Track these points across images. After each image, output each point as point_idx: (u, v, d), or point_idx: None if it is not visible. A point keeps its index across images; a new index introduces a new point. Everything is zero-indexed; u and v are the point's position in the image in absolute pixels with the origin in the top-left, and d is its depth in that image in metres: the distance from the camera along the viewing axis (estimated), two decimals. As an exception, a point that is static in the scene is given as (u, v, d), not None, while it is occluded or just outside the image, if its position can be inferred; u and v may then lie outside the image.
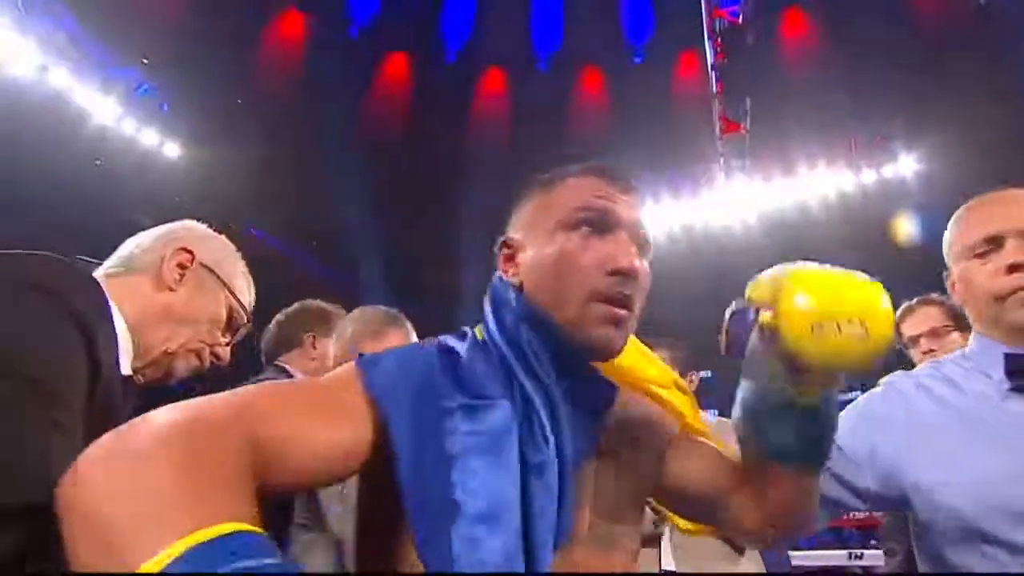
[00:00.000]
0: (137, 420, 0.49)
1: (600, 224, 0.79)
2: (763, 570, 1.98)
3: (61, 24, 8.96)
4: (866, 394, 1.12)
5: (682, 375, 1.81)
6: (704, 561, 1.90)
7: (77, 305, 0.70)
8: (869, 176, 11.03)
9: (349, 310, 1.58)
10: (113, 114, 10.01)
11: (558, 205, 0.82)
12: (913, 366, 1.45)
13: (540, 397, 0.71)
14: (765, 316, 0.72)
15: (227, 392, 0.59)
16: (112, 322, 0.77)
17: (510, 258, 0.86)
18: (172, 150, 11.03)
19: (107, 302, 0.77)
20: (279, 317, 1.87)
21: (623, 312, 0.77)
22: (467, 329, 0.82)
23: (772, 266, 0.79)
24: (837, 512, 1.07)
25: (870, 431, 1.04)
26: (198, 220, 1.07)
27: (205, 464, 0.44)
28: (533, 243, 0.82)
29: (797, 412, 0.75)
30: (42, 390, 0.62)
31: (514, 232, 0.87)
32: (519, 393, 0.71)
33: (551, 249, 0.79)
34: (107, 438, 0.47)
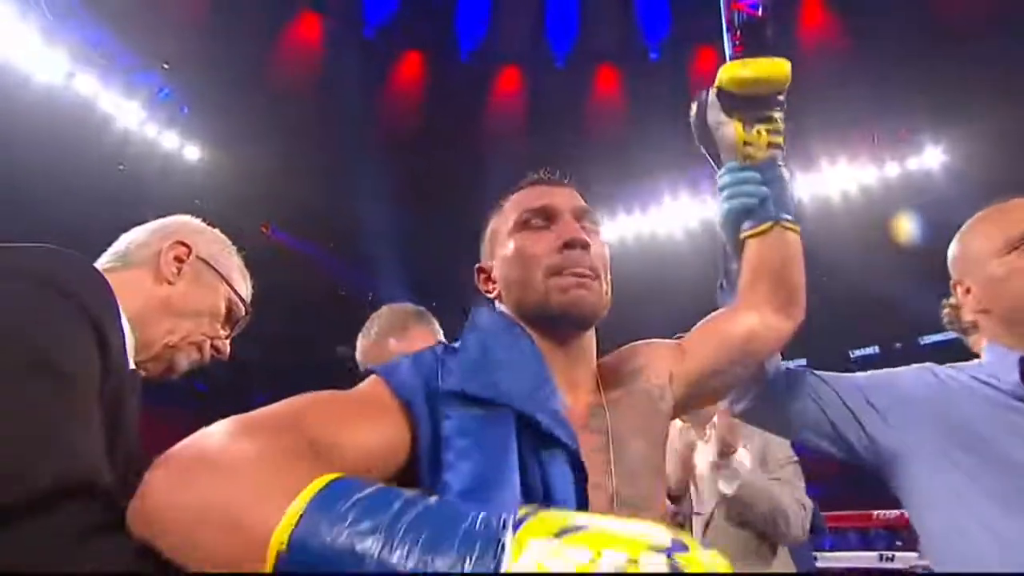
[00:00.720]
0: (201, 433, 0.52)
1: (543, 216, 0.88)
2: (793, 570, 1.96)
3: (87, 31, 9.15)
4: (904, 368, 1.12)
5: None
6: (736, 561, 1.87)
7: (87, 299, 0.70)
8: (892, 169, 10.84)
9: (369, 309, 1.59)
10: (136, 118, 10.23)
11: (507, 217, 0.91)
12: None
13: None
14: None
15: (276, 403, 0.62)
16: (120, 316, 0.77)
17: (487, 279, 0.94)
18: (192, 152, 11.24)
19: (114, 296, 0.78)
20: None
21: (583, 275, 0.83)
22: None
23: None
24: (809, 438, 1.09)
25: (890, 400, 1.06)
26: (218, 222, 1.08)
27: (281, 448, 0.50)
28: (497, 257, 0.91)
29: (750, 172, 1.01)
30: (62, 377, 0.62)
31: (484, 259, 0.96)
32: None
33: (510, 251, 0.88)
34: (182, 448, 0.50)
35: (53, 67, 8.92)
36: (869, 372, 1.12)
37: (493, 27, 15.16)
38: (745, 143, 1.03)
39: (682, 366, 0.93)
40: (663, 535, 0.40)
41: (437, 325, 1.50)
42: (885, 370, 1.12)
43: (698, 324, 1.02)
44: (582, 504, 0.71)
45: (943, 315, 2.11)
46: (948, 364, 1.10)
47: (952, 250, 1.10)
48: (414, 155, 14.14)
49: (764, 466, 1.93)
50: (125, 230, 1.00)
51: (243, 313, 1.04)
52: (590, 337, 0.89)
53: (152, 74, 10.33)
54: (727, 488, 1.83)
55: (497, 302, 0.91)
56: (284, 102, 13.05)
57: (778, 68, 1.01)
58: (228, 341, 1.02)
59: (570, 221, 0.87)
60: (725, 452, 1.81)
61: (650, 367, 0.91)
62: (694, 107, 1.07)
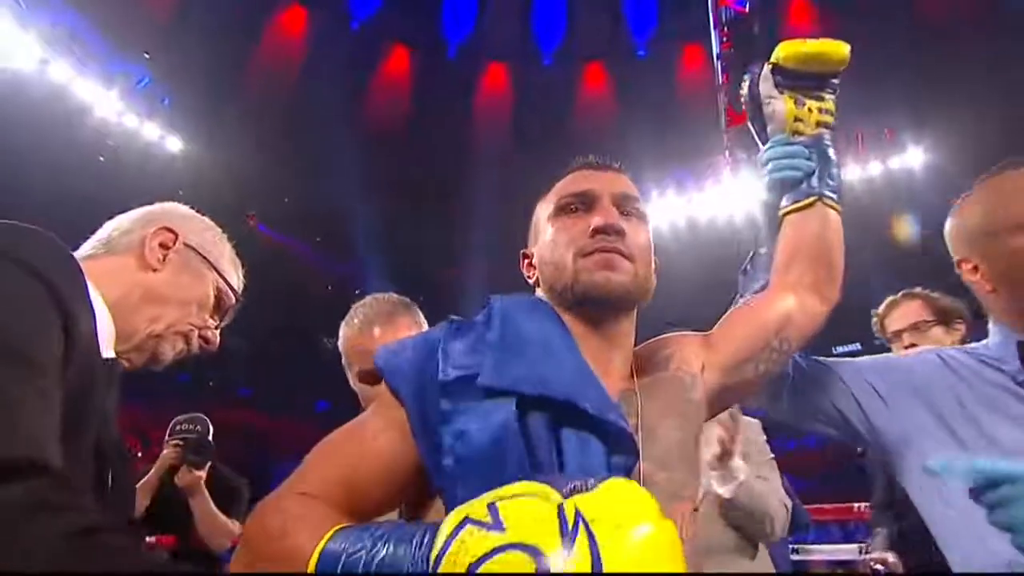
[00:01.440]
0: (263, 505, 0.70)
1: (583, 202, 0.88)
2: (772, 568, 1.97)
3: (62, 18, 8.91)
4: (910, 356, 1.10)
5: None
6: (721, 555, 1.88)
7: (52, 278, 0.67)
8: (875, 168, 10.97)
9: (354, 301, 1.57)
10: (115, 108, 9.91)
11: (550, 202, 0.91)
12: None
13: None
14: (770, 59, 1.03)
15: (301, 470, 0.74)
16: (89, 299, 0.73)
17: (528, 265, 0.94)
18: (174, 144, 10.95)
19: (83, 278, 0.74)
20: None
21: (613, 257, 0.82)
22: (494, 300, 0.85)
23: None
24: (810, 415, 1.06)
25: (891, 385, 1.02)
26: (201, 214, 1.05)
27: (312, 520, 0.66)
28: (538, 241, 0.91)
29: (798, 146, 1.01)
30: (20, 358, 0.59)
31: (530, 245, 0.95)
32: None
33: (547, 236, 0.89)
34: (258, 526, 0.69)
35: (26, 53, 8.59)
36: (873, 357, 1.09)
37: (480, 23, 15.09)
38: (796, 118, 1.03)
39: (712, 356, 0.91)
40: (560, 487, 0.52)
41: (422, 317, 1.48)
42: (888, 355, 1.09)
43: (729, 312, 1.00)
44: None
45: (873, 324, 2.11)
46: (958, 347, 1.06)
47: (954, 225, 1.03)
48: (400, 149, 14.05)
49: (751, 465, 1.95)
50: (103, 221, 0.97)
51: (233, 302, 1.01)
52: (627, 322, 0.86)
53: (133, 64, 10.11)
54: (724, 491, 1.83)
55: (537, 288, 0.91)
56: (269, 94, 12.89)
57: (837, 48, 1.01)
58: (218, 331, 0.99)
59: (608, 207, 0.86)
60: (725, 455, 1.81)
61: (680, 356, 0.89)
62: (746, 80, 1.08)
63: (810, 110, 1.03)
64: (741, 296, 1.09)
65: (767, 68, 1.04)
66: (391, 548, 0.57)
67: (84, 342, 0.69)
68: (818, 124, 1.03)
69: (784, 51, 1.02)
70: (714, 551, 1.81)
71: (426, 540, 0.54)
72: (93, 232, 0.95)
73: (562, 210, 0.88)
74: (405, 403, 0.74)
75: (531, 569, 0.47)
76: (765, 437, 2.01)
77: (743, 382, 0.92)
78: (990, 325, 1.02)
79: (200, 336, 0.96)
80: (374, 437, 0.75)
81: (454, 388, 0.73)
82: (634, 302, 0.85)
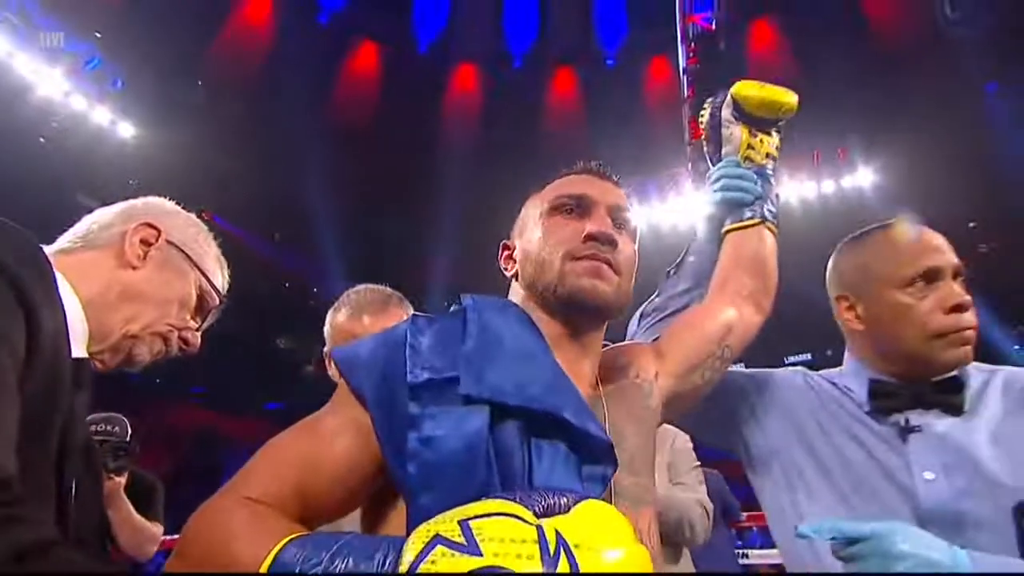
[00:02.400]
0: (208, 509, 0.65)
1: (578, 206, 0.87)
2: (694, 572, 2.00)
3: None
4: (789, 369, 1.18)
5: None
6: None
7: (16, 272, 0.63)
8: (828, 186, 11.41)
9: (312, 302, 1.53)
10: (60, 88, 9.17)
11: (544, 198, 0.90)
12: None
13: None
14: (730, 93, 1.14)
15: (251, 468, 0.69)
16: (58, 296, 0.70)
17: (508, 257, 0.92)
18: (126, 130, 10.31)
19: (53, 273, 0.71)
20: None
21: (602, 266, 0.82)
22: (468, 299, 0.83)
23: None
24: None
25: (763, 401, 1.11)
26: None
27: (263, 526, 0.62)
28: (524, 236, 0.90)
29: (748, 171, 1.11)
30: None
31: (512, 237, 0.94)
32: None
33: (537, 232, 0.87)
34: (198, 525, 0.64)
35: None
36: (752, 370, 1.16)
37: (452, 22, 15.04)
38: (749, 146, 1.14)
39: (664, 365, 0.93)
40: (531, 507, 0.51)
41: (412, 310, 1.43)
42: (764, 370, 1.16)
43: (670, 324, 1.04)
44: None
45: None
46: (821, 372, 1.15)
47: (839, 265, 1.10)
48: (366, 146, 13.87)
49: (672, 473, 2.01)
50: (49, 207, 0.92)
51: (216, 303, 0.97)
52: (599, 331, 0.87)
53: (80, 42, 9.48)
54: None
55: (514, 280, 0.90)
56: (230, 82, 12.53)
57: (788, 99, 1.13)
58: (199, 333, 0.95)
59: (603, 215, 0.86)
60: None
61: (637, 364, 0.91)
62: (710, 102, 1.18)
63: (761, 141, 1.15)
64: (658, 295, 1.17)
65: (729, 96, 1.15)
66: (350, 564, 0.52)
67: (49, 341, 0.66)
68: (767, 156, 1.15)
69: (743, 90, 1.13)
70: None
71: (390, 559, 0.51)
72: (35, 218, 0.90)
73: (556, 210, 0.87)
74: (368, 403, 0.70)
75: None
76: (692, 445, 2.08)
77: (692, 389, 0.95)
78: (846, 357, 1.11)
79: (180, 337, 0.92)
80: (331, 438, 0.70)
81: (423, 391, 0.69)
82: (612, 314, 0.85)
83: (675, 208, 11.58)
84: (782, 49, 13.69)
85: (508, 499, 0.52)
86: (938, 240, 1.03)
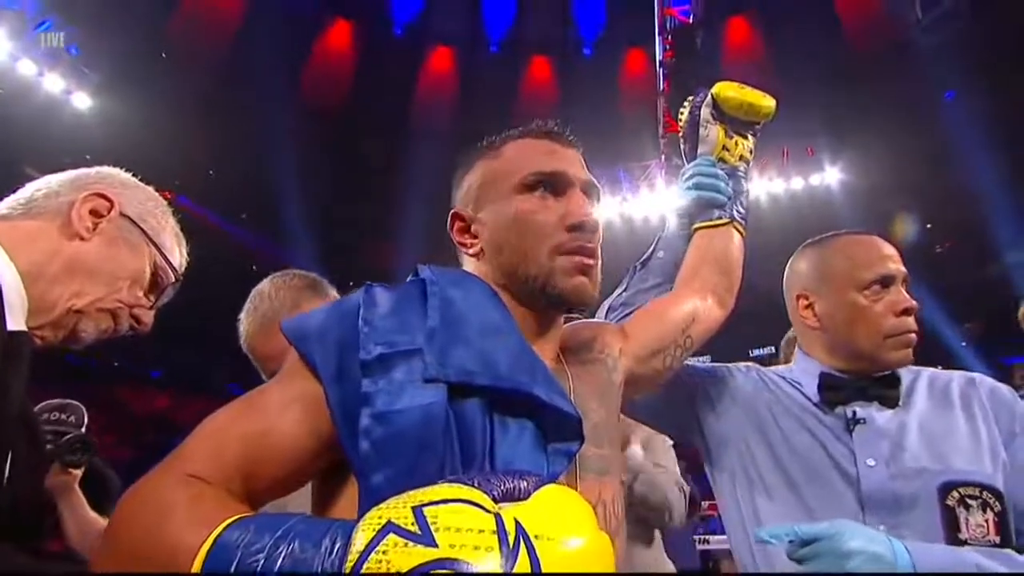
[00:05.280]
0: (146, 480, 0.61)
1: (555, 184, 0.81)
2: (665, 556, 2.03)
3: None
4: (744, 365, 1.24)
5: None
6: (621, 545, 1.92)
7: None
8: (797, 183, 11.65)
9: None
10: (3, 50, 8.30)
11: (509, 170, 0.82)
12: None
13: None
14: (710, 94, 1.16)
15: (195, 439, 0.64)
16: None
17: (464, 230, 0.84)
18: (82, 100, 9.56)
19: None
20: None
21: (589, 261, 0.80)
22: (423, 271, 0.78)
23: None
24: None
25: (720, 393, 1.17)
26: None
27: (203, 505, 0.58)
28: (489, 211, 0.82)
29: (722, 172, 1.13)
30: None
31: (464, 205, 0.85)
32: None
33: (510, 212, 0.80)
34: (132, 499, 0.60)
35: None
36: (711, 366, 1.22)
37: (429, 3, 14.81)
38: (724, 147, 1.16)
39: (627, 345, 0.93)
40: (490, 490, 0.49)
41: (335, 294, 1.38)
42: (720, 364, 1.22)
43: (637, 308, 1.06)
44: (554, 474, 0.67)
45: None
46: (773, 368, 1.22)
47: (803, 263, 1.17)
48: (338, 126, 13.60)
49: (648, 452, 2.01)
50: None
51: (172, 281, 0.92)
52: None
53: (30, 2, 8.60)
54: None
55: (474, 260, 0.83)
56: (197, 54, 12.11)
57: (767, 103, 1.15)
58: (152, 311, 0.90)
59: (580, 198, 0.81)
60: (623, 444, 1.87)
61: (601, 340, 0.90)
62: (691, 99, 1.18)
63: (737, 143, 1.16)
64: (624, 291, 1.19)
65: (710, 96, 1.16)
66: (295, 549, 0.49)
67: None
68: (740, 157, 1.17)
69: (724, 91, 1.14)
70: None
71: (338, 545, 0.47)
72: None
73: (530, 188, 0.81)
74: (320, 374, 0.66)
75: None
76: None
77: (651, 373, 0.96)
78: (797, 353, 1.18)
79: (132, 315, 0.87)
80: (280, 410, 0.66)
81: (378, 364, 0.65)
82: (591, 307, 0.84)
83: (647, 200, 11.69)
84: (756, 47, 13.88)
85: (465, 483, 0.50)
86: (892, 250, 1.12)
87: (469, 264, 0.84)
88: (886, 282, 1.07)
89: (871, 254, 1.10)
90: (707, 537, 4.75)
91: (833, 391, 1.08)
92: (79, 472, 1.80)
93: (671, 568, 2.03)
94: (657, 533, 2.02)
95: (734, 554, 1.14)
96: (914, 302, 1.07)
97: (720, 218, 1.12)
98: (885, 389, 1.07)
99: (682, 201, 1.16)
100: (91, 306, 0.82)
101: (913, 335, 1.07)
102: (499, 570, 0.43)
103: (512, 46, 15.30)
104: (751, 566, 1.06)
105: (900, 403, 1.07)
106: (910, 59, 11.26)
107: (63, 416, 1.85)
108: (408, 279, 0.79)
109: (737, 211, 1.14)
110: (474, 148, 0.88)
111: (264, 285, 1.36)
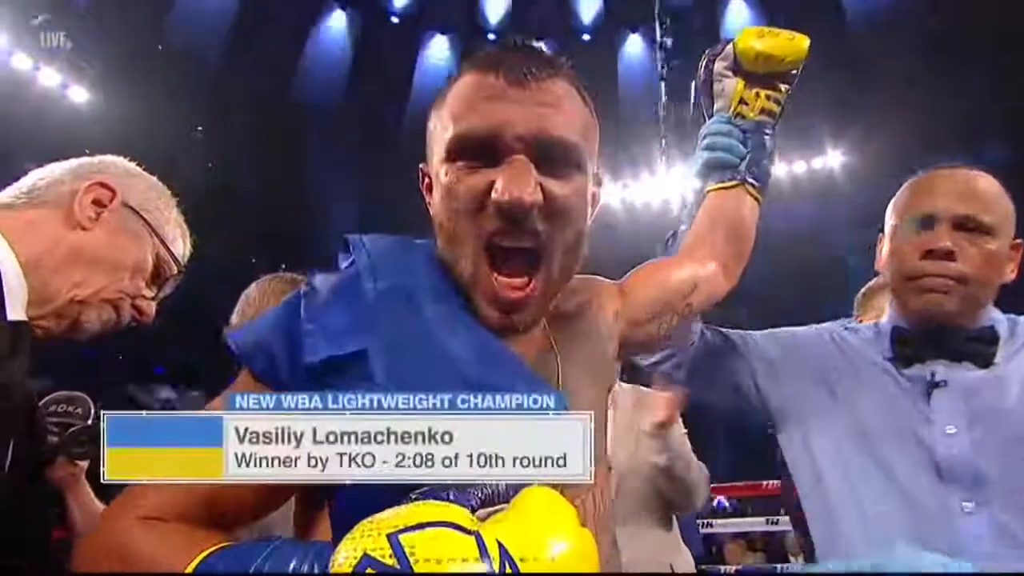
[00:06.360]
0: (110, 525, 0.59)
1: (486, 152, 0.64)
2: (679, 540, 2.02)
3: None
4: (808, 328, 1.16)
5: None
6: (649, 528, 1.89)
7: None
8: (800, 167, 11.59)
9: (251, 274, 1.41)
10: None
11: (443, 127, 0.68)
12: None
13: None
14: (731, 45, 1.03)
15: (127, 492, 0.60)
16: None
17: (429, 188, 0.73)
18: (78, 94, 9.42)
19: None
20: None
21: (517, 278, 0.66)
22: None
23: None
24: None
25: (782, 353, 1.10)
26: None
27: (176, 539, 0.56)
28: (433, 176, 0.71)
29: (740, 127, 1.01)
30: None
31: (427, 160, 0.74)
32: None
33: (439, 188, 0.68)
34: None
35: None
36: (771, 330, 1.15)
37: (425, -9, 14.65)
38: (742, 100, 1.03)
39: (624, 307, 0.85)
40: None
41: None
42: (784, 329, 1.15)
43: (637, 268, 0.95)
44: None
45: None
46: (845, 324, 1.14)
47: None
48: (333, 118, 13.52)
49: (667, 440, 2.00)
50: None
51: (175, 272, 0.92)
52: None
53: None
54: (659, 459, 1.85)
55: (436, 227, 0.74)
56: (199, 49, 12.02)
57: (794, 47, 1.00)
58: (154, 303, 0.90)
59: (520, 166, 0.62)
60: (667, 424, 1.82)
61: (597, 302, 0.83)
62: (707, 52, 1.07)
63: (757, 95, 1.03)
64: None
65: (729, 48, 1.04)
66: None
67: None
68: (762, 111, 1.03)
69: (741, 42, 1.02)
70: (630, 521, 1.84)
71: None
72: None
73: (453, 156, 0.65)
74: (271, 386, 0.61)
75: None
76: None
77: (645, 338, 0.89)
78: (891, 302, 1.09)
79: (133, 306, 0.86)
80: None
81: (326, 369, 0.60)
82: (543, 312, 0.73)
83: (648, 185, 11.62)
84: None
85: (441, 498, 0.47)
86: (956, 187, 0.97)
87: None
88: (927, 222, 0.95)
89: (921, 188, 1.00)
90: (711, 521, 4.78)
91: (906, 346, 0.98)
92: (85, 464, 1.82)
93: (686, 552, 2.02)
94: (673, 518, 2.02)
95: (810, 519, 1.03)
96: (947, 244, 0.93)
97: (732, 180, 1.00)
98: (976, 345, 0.94)
99: (696, 165, 1.07)
100: (93, 296, 0.82)
101: (940, 280, 0.93)
102: None
103: (509, 33, 15.14)
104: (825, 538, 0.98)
105: (996, 360, 0.94)
106: (915, 39, 11.13)
107: (70, 408, 1.87)
108: (343, 258, 0.70)
109: (751, 172, 1.00)
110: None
111: (251, 288, 1.35)
